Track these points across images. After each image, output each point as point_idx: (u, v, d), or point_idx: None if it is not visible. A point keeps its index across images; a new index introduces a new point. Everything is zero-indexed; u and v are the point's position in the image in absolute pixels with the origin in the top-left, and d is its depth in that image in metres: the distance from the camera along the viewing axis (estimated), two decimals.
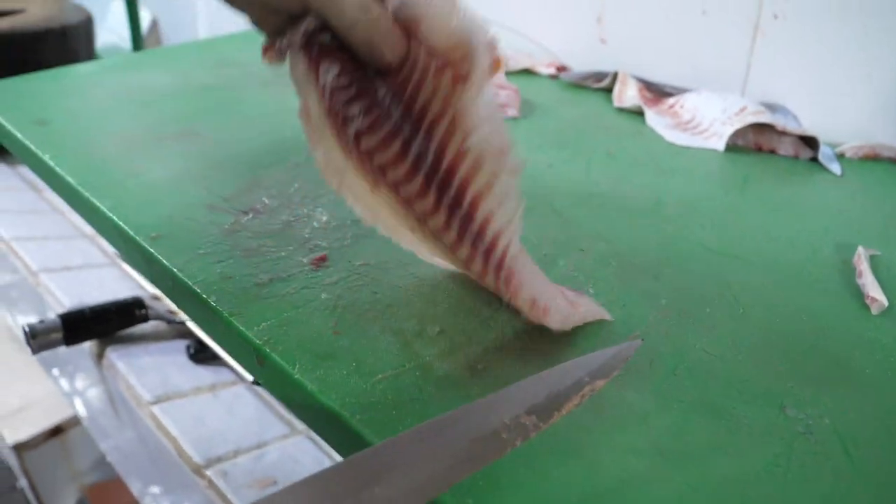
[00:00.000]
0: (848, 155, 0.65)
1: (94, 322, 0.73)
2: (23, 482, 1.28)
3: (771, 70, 0.70)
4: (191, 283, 0.43)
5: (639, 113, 0.72)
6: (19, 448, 1.22)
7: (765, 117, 0.64)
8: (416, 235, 0.41)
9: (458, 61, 0.36)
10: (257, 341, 0.38)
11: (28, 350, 0.71)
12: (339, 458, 0.56)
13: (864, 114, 0.66)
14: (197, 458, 0.60)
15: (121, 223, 0.50)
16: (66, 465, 1.28)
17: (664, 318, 0.42)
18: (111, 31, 1.69)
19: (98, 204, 0.52)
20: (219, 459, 0.60)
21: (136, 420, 0.69)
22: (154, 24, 1.66)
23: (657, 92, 0.75)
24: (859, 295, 0.45)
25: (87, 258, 0.91)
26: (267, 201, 0.53)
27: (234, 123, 0.67)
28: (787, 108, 0.69)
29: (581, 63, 0.85)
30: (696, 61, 0.75)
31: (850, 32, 0.64)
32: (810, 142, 0.64)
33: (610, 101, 0.76)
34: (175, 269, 0.45)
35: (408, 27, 0.36)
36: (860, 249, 0.48)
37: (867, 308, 0.44)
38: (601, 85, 0.78)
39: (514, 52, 0.87)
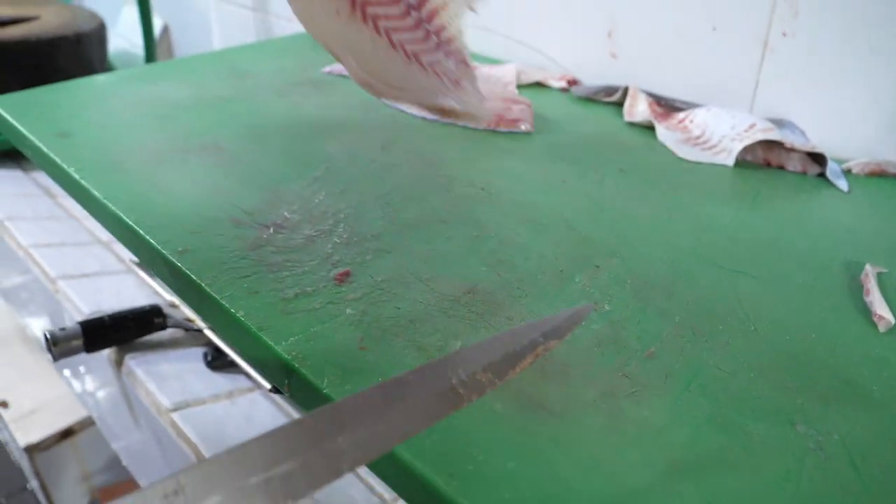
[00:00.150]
0: (854, 171, 0.66)
1: (114, 329, 0.74)
2: (34, 483, 1.30)
3: (779, 86, 0.72)
4: (219, 298, 0.45)
5: (649, 127, 0.73)
6: (31, 450, 1.24)
7: (774, 134, 0.65)
8: (338, 20, 0.43)
9: None
10: (286, 356, 0.40)
11: (41, 352, 0.73)
12: (359, 468, 0.57)
13: (870, 131, 0.67)
14: None
15: (148, 237, 0.51)
16: (78, 466, 1.29)
17: (678, 334, 0.43)
18: (121, 36, 1.71)
19: (125, 218, 0.54)
20: None
21: (156, 427, 0.70)
22: (165, 30, 1.68)
23: (667, 106, 0.76)
24: (867, 312, 0.47)
25: (104, 265, 0.93)
26: (289, 216, 0.54)
27: (253, 136, 0.68)
28: (795, 123, 0.71)
29: (592, 77, 0.86)
30: (705, 77, 0.77)
31: (856, 52, 0.65)
32: (818, 158, 0.65)
33: (621, 114, 0.77)
34: (203, 284, 0.46)
35: None
36: (868, 267, 0.50)
37: (875, 326, 0.45)
38: (612, 99, 0.79)
39: (526, 66, 0.88)
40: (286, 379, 0.41)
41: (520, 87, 0.84)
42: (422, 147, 0.67)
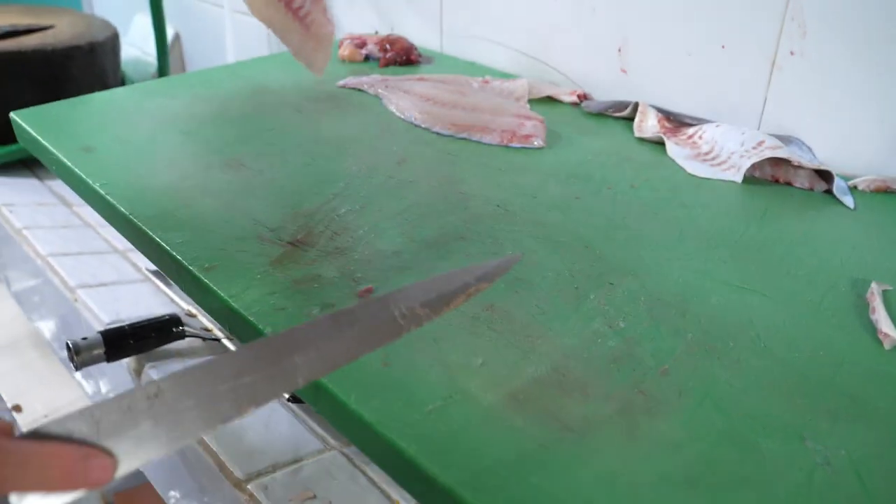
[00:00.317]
0: (860, 188, 0.67)
1: (134, 339, 0.76)
2: None
3: (787, 104, 0.73)
4: (246, 314, 0.47)
5: (659, 143, 0.75)
6: None
7: (782, 152, 0.67)
8: None
9: None
10: None
11: (53, 356, 0.74)
12: (374, 475, 0.59)
13: (875, 148, 0.68)
14: (238, 473, 0.63)
15: (175, 254, 0.53)
16: None
17: (691, 351, 0.45)
18: (133, 45, 1.73)
19: (151, 234, 0.55)
20: (259, 474, 0.63)
21: None
22: (177, 38, 1.69)
23: (676, 122, 0.78)
24: (873, 330, 0.48)
25: (121, 274, 0.94)
26: (311, 232, 0.56)
27: (273, 152, 0.70)
28: (802, 140, 0.72)
29: (602, 92, 0.88)
30: (714, 93, 0.78)
31: (862, 71, 0.67)
32: (825, 175, 0.67)
33: (631, 129, 0.79)
34: (231, 300, 0.48)
35: None
36: (873, 285, 0.51)
37: (881, 343, 0.47)
38: (622, 114, 0.81)
39: (538, 80, 0.90)
40: (314, 394, 0.42)
41: (531, 101, 0.86)
42: (437, 162, 0.69)
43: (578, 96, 0.86)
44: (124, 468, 0.29)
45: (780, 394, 0.42)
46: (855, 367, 0.45)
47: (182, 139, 0.72)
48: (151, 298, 0.89)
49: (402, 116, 0.79)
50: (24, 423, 1.29)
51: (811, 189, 0.67)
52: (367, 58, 1.00)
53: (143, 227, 0.56)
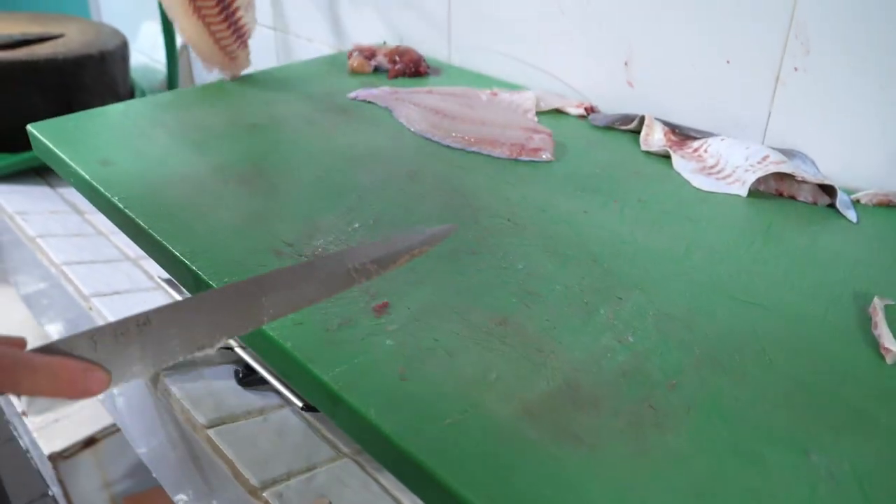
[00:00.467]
0: (863, 201, 0.69)
1: None
2: (55, 490, 1.33)
3: (790, 118, 0.74)
4: (266, 329, 0.48)
5: (665, 156, 0.76)
6: (54, 458, 1.27)
7: (786, 167, 0.68)
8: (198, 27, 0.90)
9: None
10: (334, 387, 0.43)
11: None
12: (386, 482, 0.60)
13: (877, 163, 0.70)
14: (253, 481, 0.64)
15: (194, 267, 0.54)
16: (101, 474, 1.32)
17: (698, 366, 0.46)
18: (142, 52, 1.74)
19: (171, 248, 0.57)
20: (274, 482, 0.64)
21: (192, 442, 0.73)
22: (185, 45, 1.71)
23: (682, 135, 0.79)
24: (876, 344, 0.49)
25: (134, 282, 0.96)
26: (326, 246, 0.57)
27: (287, 165, 0.71)
28: (806, 154, 0.74)
29: (609, 104, 0.89)
30: (719, 107, 0.80)
31: (865, 87, 0.68)
32: (828, 189, 0.68)
33: (637, 142, 0.80)
34: None
35: None
36: (876, 300, 0.53)
37: (883, 358, 0.48)
38: (628, 127, 0.82)
39: (545, 92, 0.91)
40: (333, 406, 0.44)
41: (539, 113, 0.87)
42: (448, 176, 0.70)
43: (585, 109, 0.88)
44: (116, 382, 0.35)
45: (785, 407, 0.44)
46: (858, 382, 0.46)
47: (197, 151, 0.74)
48: None
49: (413, 129, 0.81)
50: (34, 426, 1.31)
51: (815, 203, 0.68)
52: (376, 69, 1.02)
53: (163, 241, 0.58)
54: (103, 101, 1.28)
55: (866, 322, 0.52)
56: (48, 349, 0.34)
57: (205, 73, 1.37)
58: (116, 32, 1.38)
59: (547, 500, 0.36)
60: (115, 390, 0.96)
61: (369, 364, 0.45)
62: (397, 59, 1.00)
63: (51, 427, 1.33)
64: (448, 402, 0.42)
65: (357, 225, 0.61)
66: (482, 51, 1.02)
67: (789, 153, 0.74)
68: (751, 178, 0.69)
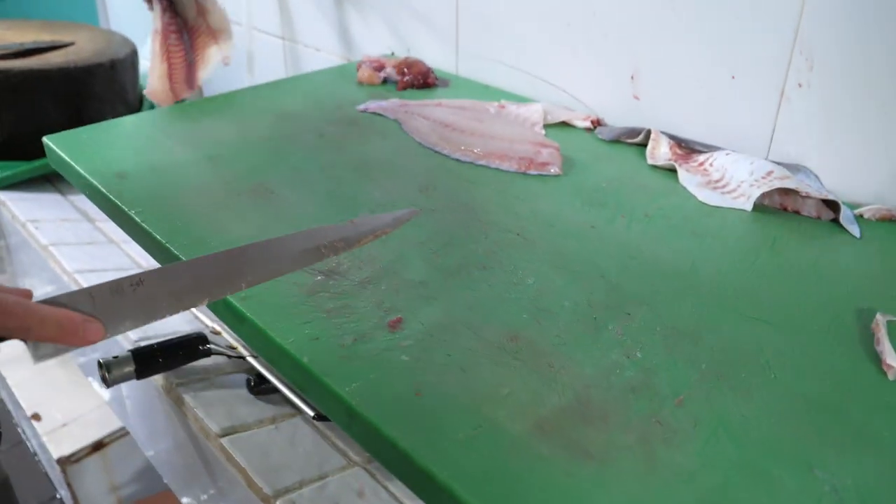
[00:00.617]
0: (866, 216, 0.70)
1: (163, 356, 0.78)
2: (63, 493, 1.34)
3: (794, 133, 0.76)
4: (283, 344, 0.49)
5: (671, 170, 0.78)
6: (63, 462, 1.28)
7: (790, 182, 0.69)
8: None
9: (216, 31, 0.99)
10: (351, 402, 0.44)
11: (72, 364, 0.76)
12: (396, 490, 0.61)
13: (881, 178, 0.71)
14: (266, 489, 0.65)
15: None
16: (109, 478, 1.33)
17: (704, 381, 0.47)
18: (148, 59, 1.75)
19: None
20: (286, 490, 0.65)
21: (205, 450, 0.74)
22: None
23: (688, 148, 0.81)
24: (878, 360, 0.50)
25: None
26: (339, 262, 0.58)
27: (299, 179, 0.72)
28: (810, 169, 0.75)
29: (615, 117, 0.90)
30: (724, 121, 0.81)
31: (868, 103, 0.69)
32: (832, 204, 0.69)
33: (643, 155, 0.81)
34: (267, 329, 0.50)
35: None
36: (878, 316, 0.54)
37: (885, 374, 0.49)
38: (635, 141, 0.83)
39: (552, 105, 0.93)
40: (349, 420, 0.45)
41: (546, 126, 0.89)
42: (457, 190, 0.72)
43: (592, 122, 0.89)
44: (110, 333, 0.40)
45: (789, 423, 0.45)
46: (860, 398, 0.47)
47: (210, 164, 0.75)
48: (176, 316, 0.92)
49: (422, 142, 0.82)
50: (43, 431, 1.32)
51: (819, 218, 0.70)
52: (384, 80, 1.03)
53: (180, 256, 0.59)
54: (113, 109, 1.30)
55: (869, 338, 0.53)
56: (53, 301, 0.39)
57: (212, 83, 1.38)
58: (126, 40, 1.39)
59: None
60: (123, 393, 0.97)
61: (384, 380, 0.46)
62: (406, 70, 1.01)
63: (59, 431, 1.34)
64: (462, 417, 0.43)
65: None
66: (490, 62, 1.03)
67: (793, 168, 0.75)
68: (756, 193, 0.70)
